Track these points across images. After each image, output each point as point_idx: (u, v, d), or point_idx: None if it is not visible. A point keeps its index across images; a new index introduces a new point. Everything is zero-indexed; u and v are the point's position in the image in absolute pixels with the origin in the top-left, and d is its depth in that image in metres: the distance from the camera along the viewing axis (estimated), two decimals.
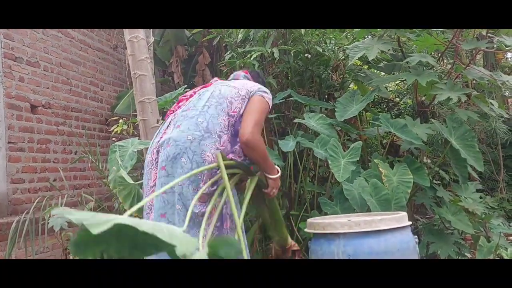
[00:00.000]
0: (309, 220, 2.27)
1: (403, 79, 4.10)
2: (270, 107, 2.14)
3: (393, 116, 4.24)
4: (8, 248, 3.42)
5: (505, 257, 2.88)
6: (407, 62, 3.00)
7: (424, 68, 3.23)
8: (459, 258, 3.07)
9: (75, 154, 4.78)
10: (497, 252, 2.96)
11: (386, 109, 4.53)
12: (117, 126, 3.91)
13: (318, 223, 2.14)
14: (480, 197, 3.20)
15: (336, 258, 2.01)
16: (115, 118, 4.46)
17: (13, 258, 3.73)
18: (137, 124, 3.11)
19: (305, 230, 2.31)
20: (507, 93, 5.58)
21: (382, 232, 1.99)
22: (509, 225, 3.37)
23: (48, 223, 3.27)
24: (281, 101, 3.38)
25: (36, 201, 3.64)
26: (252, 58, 3.27)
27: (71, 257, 3.35)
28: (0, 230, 3.68)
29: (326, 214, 2.78)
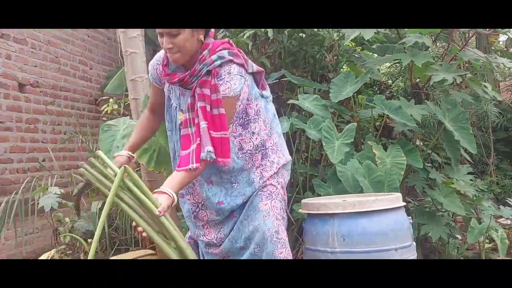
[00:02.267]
0: (303, 200, 2.27)
1: (397, 61, 4.07)
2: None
3: (387, 99, 4.23)
4: None
5: (496, 238, 2.92)
6: (403, 43, 2.97)
7: (419, 49, 3.21)
8: (450, 239, 3.10)
9: (65, 134, 4.71)
10: (488, 233, 2.99)
11: (378, 91, 4.51)
12: (108, 105, 3.85)
13: (312, 203, 2.14)
14: (471, 180, 3.21)
15: (330, 238, 2.01)
16: (105, 97, 4.39)
17: (2, 238, 3.70)
18: (128, 103, 3.06)
19: (299, 210, 2.30)
20: (498, 77, 5.59)
21: (376, 212, 1.99)
22: (498, 207, 3.40)
23: (38, 203, 3.24)
24: (274, 81, 3.34)
25: (25, 181, 3.59)
26: (245, 37, 3.22)
27: (61, 238, 3.32)
28: None
29: (319, 195, 2.77)
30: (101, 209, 3.36)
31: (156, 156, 2.63)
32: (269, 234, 1.83)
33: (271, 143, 2.01)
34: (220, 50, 1.82)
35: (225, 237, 1.98)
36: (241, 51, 1.93)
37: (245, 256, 1.92)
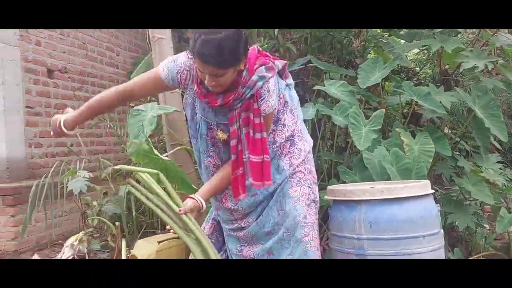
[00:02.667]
0: (329, 187, 2.26)
1: (425, 47, 3.99)
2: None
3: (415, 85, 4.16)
4: (28, 211, 3.48)
5: None
6: (432, 29, 2.91)
7: (449, 35, 3.13)
8: (478, 229, 3.05)
9: (92, 119, 4.79)
10: None
11: (405, 78, 4.43)
12: None
13: (339, 190, 2.13)
14: (500, 169, 3.15)
15: (356, 224, 2.00)
16: None
17: (33, 221, 3.80)
18: None
19: (325, 197, 2.29)
20: None
21: (405, 199, 1.97)
22: None
23: (66, 187, 3.31)
24: (300, 67, 3.31)
25: (54, 165, 3.67)
26: None
27: (89, 221, 3.39)
28: (20, 193, 3.73)
29: (344, 183, 2.75)
30: (128, 193, 3.42)
31: (166, 176, 2.62)
32: (299, 219, 1.90)
33: (297, 131, 2.02)
34: (258, 67, 1.77)
35: (252, 221, 1.99)
36: (268, 54, 1.88)
37: (271, 241, 1.96)
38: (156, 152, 2.25)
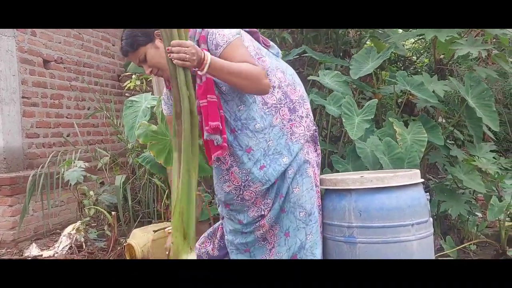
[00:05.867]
0: (321, 176, 2.27)
1: (421, 36, 3.98)
2: None
3: (410, 75, 4.16)
4: (25, 201, 3.51)
5: None
6: None
7: None
8: (470, 217, 3.08)
9: (88, 109, 4.81)
10: (509, 211, 2.96)
11: (402, 67, 4.43)
12: (130, 81, 3.89)
13: (329, 179, 2.14)
14: (494, 158, 3.17)
15: (346, 213, 2.02)
16: (127, 74, 4.44)
17: (31, 210, 3.83)
18: (150, 79, 3.09)
19: None
20: None
21: (394, 188, 1.98)
22: None
23: (63, 177, 3.33)
24: (295, 57, 3.32)
25: (51, 155, 3.69)
26: None
27: (86, 211, 3.42)
28: (17, 183, 3.76)
29: (337, 172, 2.78)
30: (124, 182, 3.45)
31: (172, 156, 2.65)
32: (315, 200, 2.00)
33: (296, 96, 2.00)
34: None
35: (271, 202, 1.98)
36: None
37: (287, 219, 1.97)
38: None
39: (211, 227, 2.28)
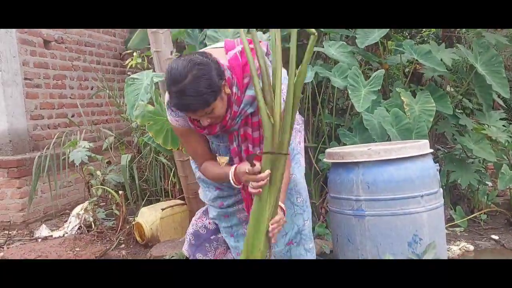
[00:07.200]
0: (328, 150, 2.25)
1: None
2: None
3: (417, 43, 4.07)
4: (33, 182, 3.52)
5: None
6: None
7: None
8: (480, 186, 3.04)
9: (91, 89, 4.77)
10: None
11: (408, 36, 4.34)
12: (132, 59, 3.83)
13: (336, 152, 2.12)
14: (504, 126, 3.11)
15: (354, 186, 2.00)
16: (129, 51, 4.38)
17: (39, 191, 3.85)
18: (151, 57, 3.03)
19: (324, 160, 2.29)
20: None
21: (402, 160, 1.95)
22: None
23: (69, 158, 3.32)
24: (299, 29, 3.24)
25: (56, 136, 3.68)
26: None
27: (93, 191, 3.42)
28: (24, 165, 3.76)
29: (345, 145, 2.74)
30: (130, 161, 3.44)
31: (171, 136, 2.62)
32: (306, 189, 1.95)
33: None
34: (247, 77, 1.66)
35: None
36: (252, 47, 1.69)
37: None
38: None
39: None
